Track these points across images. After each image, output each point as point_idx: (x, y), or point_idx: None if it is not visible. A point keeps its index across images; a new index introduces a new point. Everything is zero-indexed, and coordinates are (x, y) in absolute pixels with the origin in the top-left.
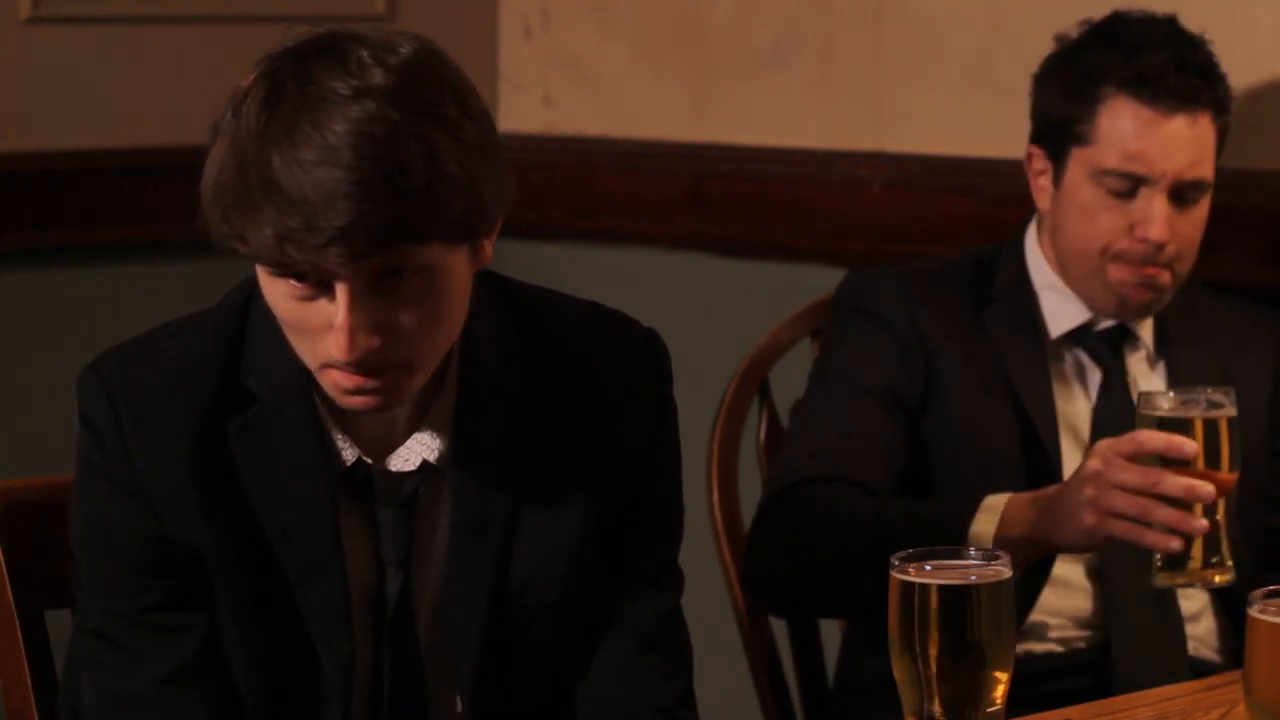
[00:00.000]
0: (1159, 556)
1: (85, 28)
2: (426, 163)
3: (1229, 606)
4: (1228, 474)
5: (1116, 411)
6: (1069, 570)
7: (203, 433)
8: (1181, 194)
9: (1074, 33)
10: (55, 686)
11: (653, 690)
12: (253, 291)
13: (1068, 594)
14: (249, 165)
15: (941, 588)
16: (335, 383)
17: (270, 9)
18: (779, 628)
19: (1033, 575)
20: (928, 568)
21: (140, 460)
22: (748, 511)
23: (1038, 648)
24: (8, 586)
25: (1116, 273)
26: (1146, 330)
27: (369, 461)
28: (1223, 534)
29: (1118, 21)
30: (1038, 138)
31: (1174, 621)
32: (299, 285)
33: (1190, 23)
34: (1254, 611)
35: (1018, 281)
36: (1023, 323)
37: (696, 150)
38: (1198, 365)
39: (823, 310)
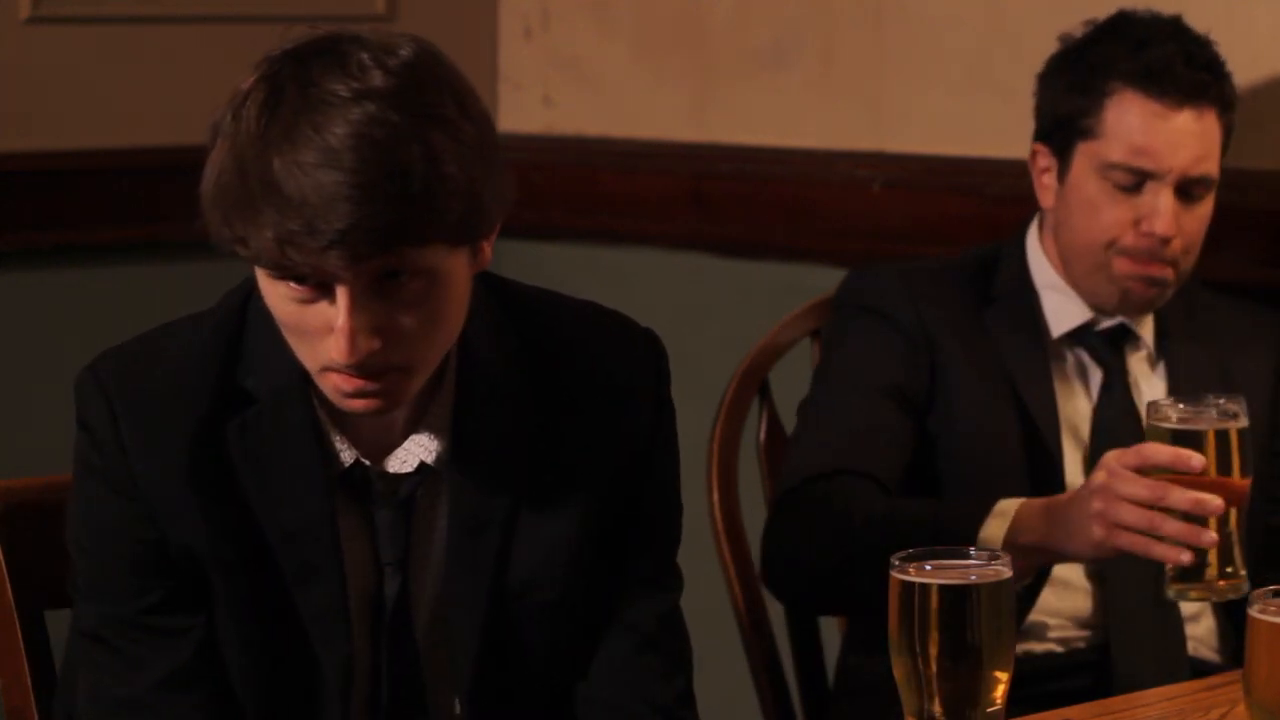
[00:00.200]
0: (1170, 568)
1: (85, 28)
2: (427, 165)
3: (1229, 606)
4: (1240, 484)
5: (1117, 412)
6: (1069, 570)
7: (201, 434)
8: (1187, 190)
9: (1078, 32)
10: (55, 687)
11: (653, 690)
12: (251, 292)
13: (1068, 594)
14: (249, 168)
15: (941, 588)
16: (335, 385)
17: (270, 9)
18: (779, 628)
19: (1033, 575)
20: (928, 568)
21: (138, 462)
22: (748, 511)
23: (1038, 648)
24: (8, 586)
25: (1121, 267)
26: (1147, 330)
27: (367, 463)
28: (1235, 546)
29: (1124, 19)
30: (1042, 135)
31: (1174, 621)
32: (299, 288)
33: (1191, 23)
34: (1254, 611)
35: (1019, 281)
36: (1024, 322)
37: (696, 150)
38: (1198, 365)
39: (823, 310)
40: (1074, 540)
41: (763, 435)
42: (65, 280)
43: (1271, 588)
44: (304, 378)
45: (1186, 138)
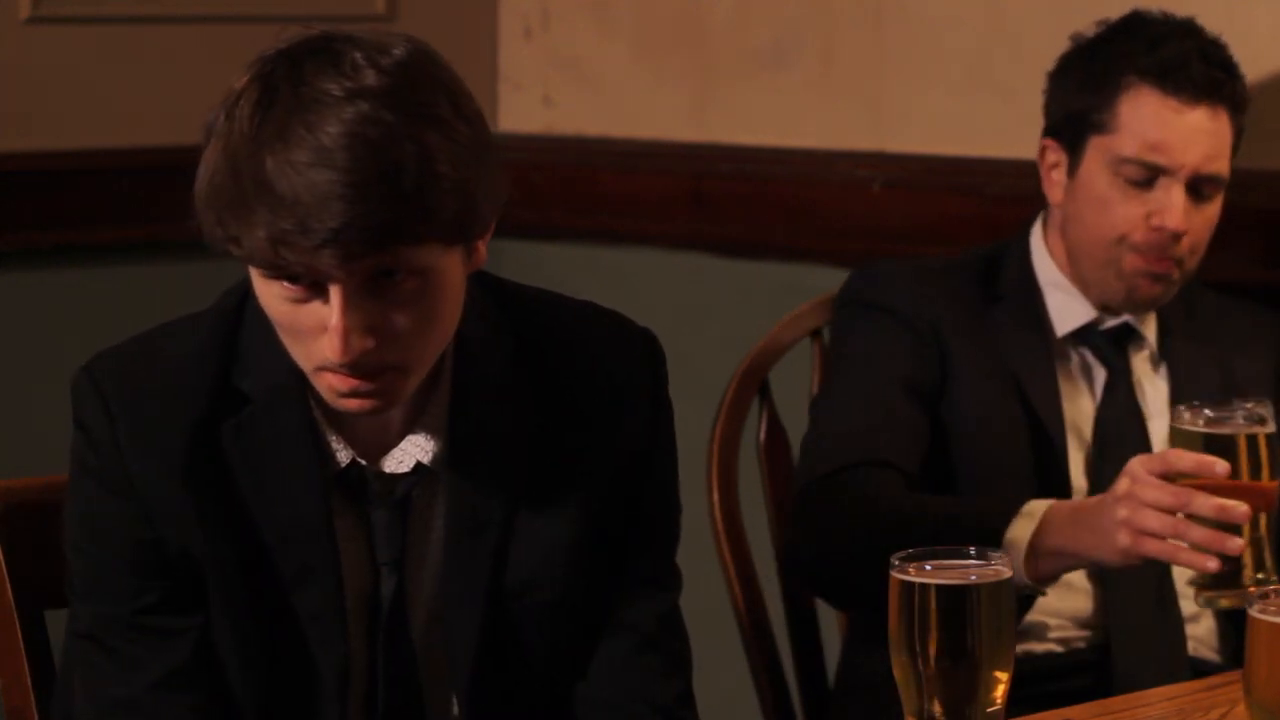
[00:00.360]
0: (1199, 575)
1: (85, 28)
2: (420, 164)
3: None
4: (1269, 488)
5: (1120, 412)
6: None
7: (197, 435)
8: (1198, 188)
9: (1090, 31)
10: (55, 686)
11: (652, 690)
12: (248, 292)
13: (1068, 594)
14: (242, 167)
15: (941, 588)
16: (330, 385)
17: (270, 9)
18: (779, 628)
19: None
20: (928, 568)
21: (134, 462)
22: (748, 511)
23: (1038, 648)
24: (8, 586)
25: (1130, 263)
26: (1150, 329)
27: (363, 463)
28: (1266, 551)
29: (1138, 18)
30: (1052, 130)
31: (1174, 621)
32: (292, 287)
33: None
34: (1254, 611)
35: (1023, 280)
36: (1028, 320)
37: (696, 150)
38: (1199, 365)
39: (823, 310)
40: (1100, 547)
41: (763, 435)
42: (65, 280)
43: (1272, 588)
44: (300, 378)
45: (1200, 135)
